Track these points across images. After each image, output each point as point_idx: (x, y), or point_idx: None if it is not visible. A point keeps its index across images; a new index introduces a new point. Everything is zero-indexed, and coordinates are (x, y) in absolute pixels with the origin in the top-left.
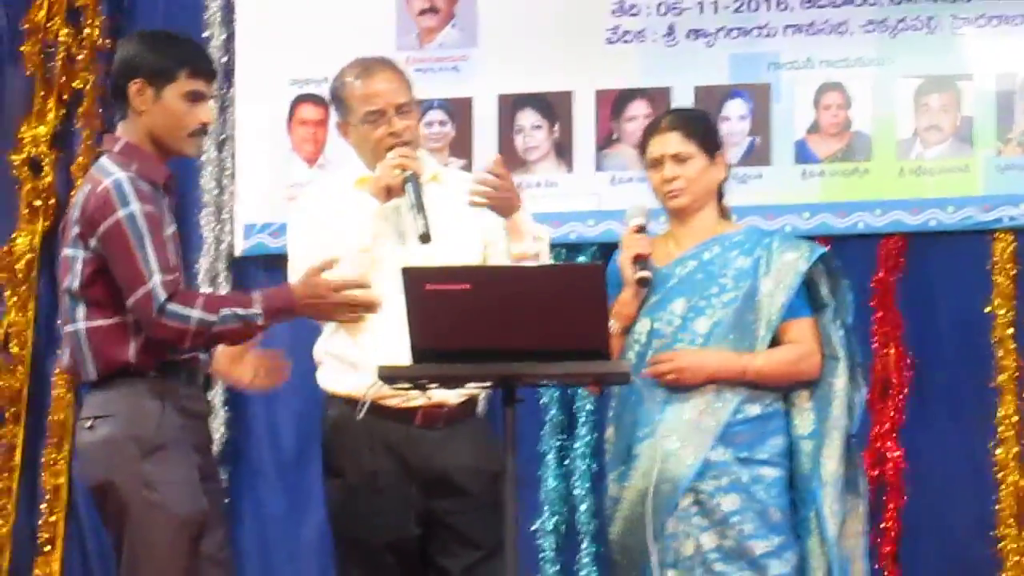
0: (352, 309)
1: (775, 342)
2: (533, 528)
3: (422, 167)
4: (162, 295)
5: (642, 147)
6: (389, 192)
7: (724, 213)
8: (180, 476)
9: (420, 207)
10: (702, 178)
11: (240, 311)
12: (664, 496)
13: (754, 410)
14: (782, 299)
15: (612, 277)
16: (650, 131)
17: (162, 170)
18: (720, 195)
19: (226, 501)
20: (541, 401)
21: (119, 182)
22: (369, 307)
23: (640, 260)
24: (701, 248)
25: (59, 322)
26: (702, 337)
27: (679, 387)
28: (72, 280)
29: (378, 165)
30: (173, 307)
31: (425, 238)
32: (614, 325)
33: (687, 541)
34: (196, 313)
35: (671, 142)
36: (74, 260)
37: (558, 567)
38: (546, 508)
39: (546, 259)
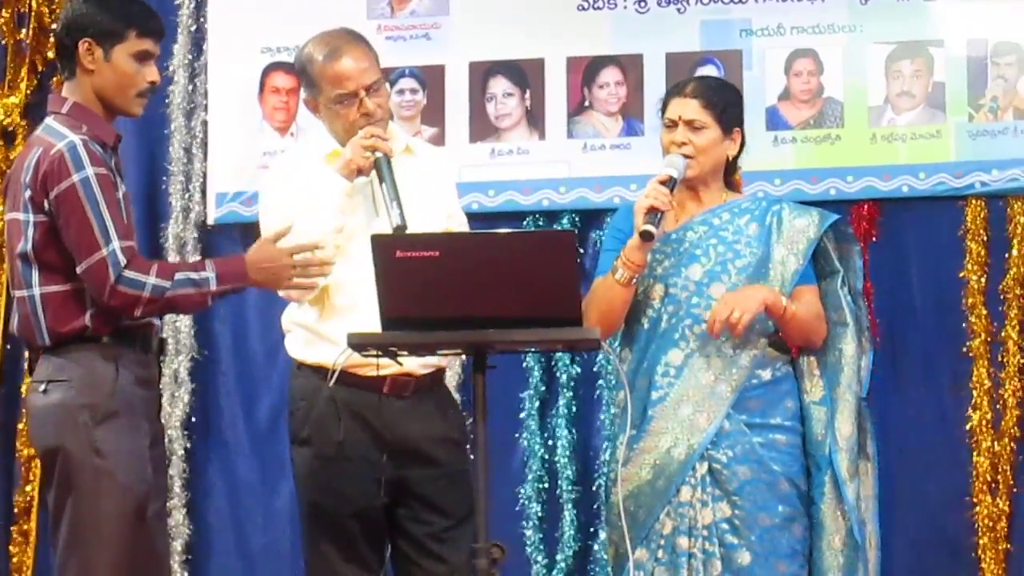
0: (305, 272)
1: None
2: (515, 494)
3: (392, 148)
4: (122, 261)
5: (663, 105)
6: (359, 172)
7: (733, 185)
8: (129, 445)
9: (394, 195)
10: (712, 150)
11: (193, 275)
12: (678, 463)
13: (765, 375)
14: (795, 266)
15: (622, 220)
16: (673, 92)
17: (111, 130)
18: (732, 170)
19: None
20: (524, 365)
21: (73, 145)
22: (323, 268)
23: (652, 212)
24: (709, 215)
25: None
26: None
27: (696, 350)
28: (24, 244)
29: (348, 144)
30: (129, 274)
31: (400, 229)
32: (622, 273)
33: (704, 510)
34: (151, 280)
35: (689, 108)
36: (26, 224)
37: (541, 534)
38: (528, 474)
39: None
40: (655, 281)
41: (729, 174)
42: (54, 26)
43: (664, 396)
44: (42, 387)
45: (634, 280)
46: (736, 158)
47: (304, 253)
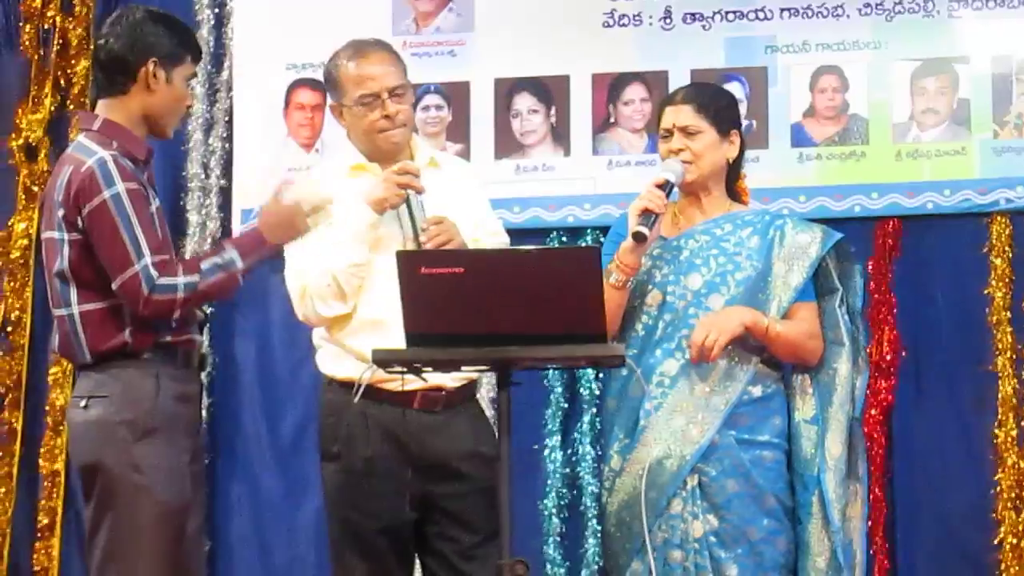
0: (316, 218)
1: None
2: (538, 510)
3: (421, 183)
4: (154, 275)
5: (658, 118)
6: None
7: (735, 193)
8: (168, 461)
9: (419, 234)
10: (710, 154)
11: (218, 260)
12: (669, 474)
13: (756, 391)
14: (795, 282)
15: (621, 226)
16: (665, 102)
17: (143, 145)
18: (735, 176)
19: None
20: (546, 382)
21: (103, 161)
22: (324, 203)
23: (646, 214)
24: (711, 224)
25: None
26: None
27: (691, 360)
28: (61, 263)
29: (382, 179)
30: (161, 282)
31: None
32: (616, 277)
33: (695, 523)
34: (181, 280)
35: (682, 114)
36: (61, 243)
37: (563, 550)
38: (550, 489)
39: None
40: (653, 287)
41: (732, 182)
42: (74, 42)
43: (658, 406)
44: (83, 402)
45: (628, 283)
46: (738, 163)
47: (309, 199)
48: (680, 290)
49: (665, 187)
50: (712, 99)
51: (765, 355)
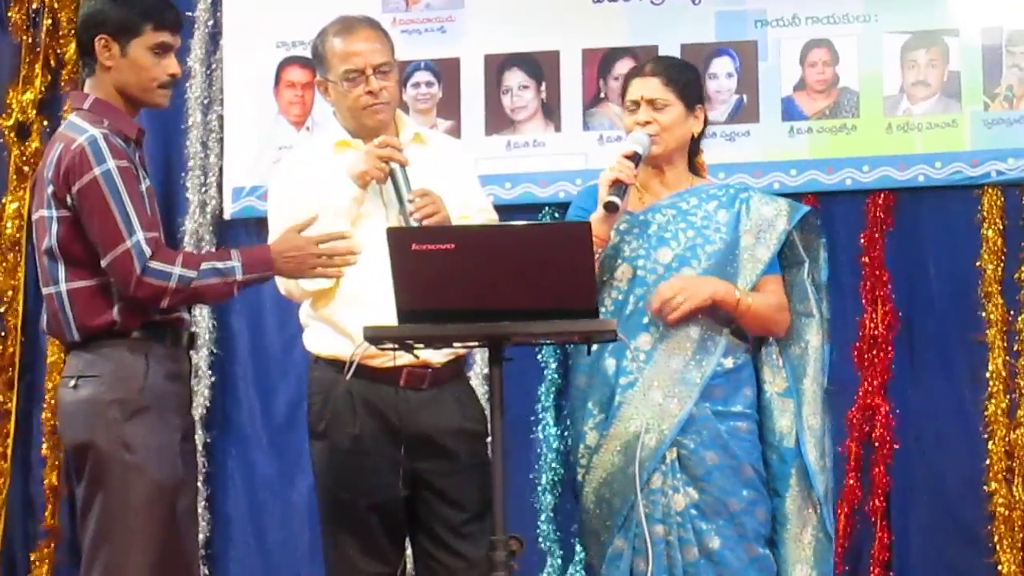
0: (330, 262)
1: None
2: (531, 487)
3: (405, 157)
4: (146, 252)
5: (623, 89)
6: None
7: (696, 168)
8: (160, 440)
9: (409, 201)
10: (677, 128)
11: (219, 265)
12: (650, 449)
13: (728, 363)
14: (763, 255)
15: (583, 199)
16: (633, 74)
17: (133, 124)
18: (695, 152)
19: (206, 464)
20: (540, 357)
21: (94, 139)
22: (348, 257)
23: (617, 185)
24: (677, 198)
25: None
26: None
27: (666, 334)
28: (49, 241)
29: (364, 153)
30: (155, 264)
31: None
32: None
33: (676, 496)
34: (176, 270)
35: (650, 87)
36: (50, 221)
37: (554, 525)
38: (543, 465)
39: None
40: (622, 261)
41: (693, 156)
42: (64, 22)
43: (634, 381)
44: (72, 382)
45: (599, 255)
46: (699, 139)
47: (329, 242)
48: (651, 264)
49: (634, 158)
50: (680, 73)
51: (733, 326)
